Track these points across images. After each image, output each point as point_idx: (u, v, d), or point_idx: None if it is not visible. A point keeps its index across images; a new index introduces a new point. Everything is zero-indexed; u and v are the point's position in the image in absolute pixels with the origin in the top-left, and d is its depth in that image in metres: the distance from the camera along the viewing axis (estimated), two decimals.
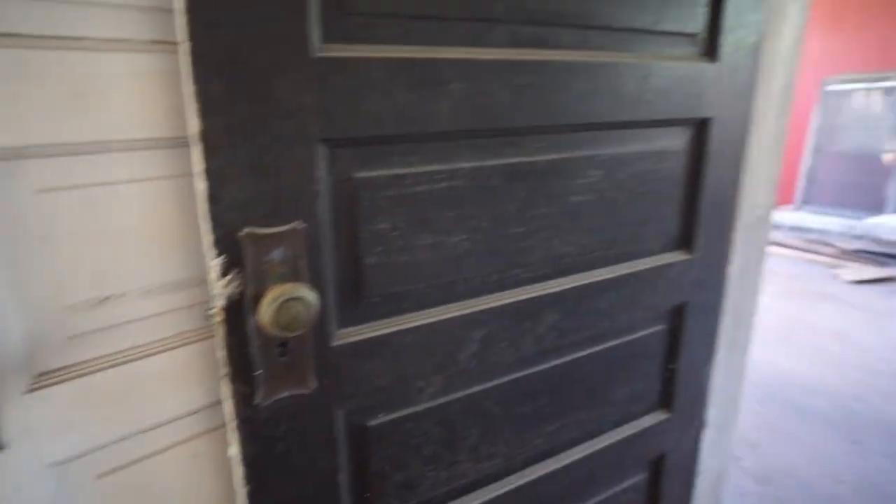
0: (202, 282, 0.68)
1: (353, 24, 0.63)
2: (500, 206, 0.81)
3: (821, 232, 4.84)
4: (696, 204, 1.07)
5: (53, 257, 0.59)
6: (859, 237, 4.60)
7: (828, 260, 4.48)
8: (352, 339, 0.69)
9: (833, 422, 2.19)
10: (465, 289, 0.80)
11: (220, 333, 0.61)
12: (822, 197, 6.08)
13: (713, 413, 1.37)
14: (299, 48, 0.60)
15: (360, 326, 0.70)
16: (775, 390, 2.41)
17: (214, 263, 0.59)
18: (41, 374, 0.61)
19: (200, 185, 0.58)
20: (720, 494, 1.55)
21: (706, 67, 0.99)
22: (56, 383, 0.61)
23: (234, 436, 0.66)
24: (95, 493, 0.66)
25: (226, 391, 0.64)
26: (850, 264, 4.31)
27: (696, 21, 0.97)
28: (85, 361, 0.63)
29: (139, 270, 0.64)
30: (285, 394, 0.66)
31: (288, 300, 0.58)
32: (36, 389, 0.60)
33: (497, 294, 0.84)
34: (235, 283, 0.59)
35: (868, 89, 5.61)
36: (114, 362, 0.64)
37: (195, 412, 0.70)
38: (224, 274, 0.59)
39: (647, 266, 1.03)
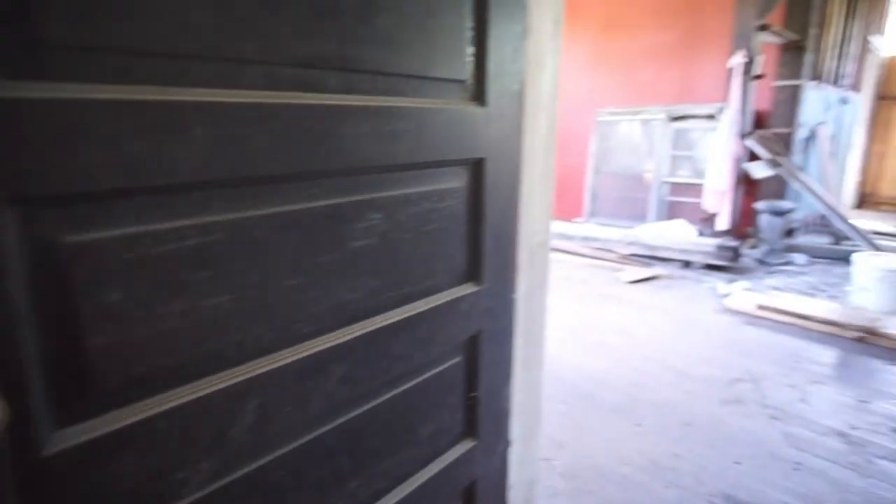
0: None
1: (51, 58, 0.52)
2: (271, 259, 0.75)
3: (604, 240, 5.54)
4: (480, 237, 1.11)
5: None
6: (632, 243, 5.35)
7: (611, 264, 5.13)
8: (78, 441, 0.56)
9: (620, 409, 2.46)
10: (234, 354, 0.72)
11: None
12: (603, 210, 6.99)
13: (518, 429, 1.44)
14: None
15: (90, 422, 0.58)
16: (575, 387, 2.66)
17: None
18: None
19: None
20: (533, 501, 1.64)
21: (477, 112, 1.04)
22: None
23: None
24: None
25: None
26: (627, 267, 4.98)
27: (464, 69, 1.01)
28: None
29: None
30: None
31: None
32: None
33: (274, 355, 0.77)
34: None
35: (630, 120, 6.62)
36: None
37: None
38: None
39: (438, 302, 1.05)
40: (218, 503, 0.71)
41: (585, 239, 5.61)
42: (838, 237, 5.54)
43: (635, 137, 6.60)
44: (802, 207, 5.87)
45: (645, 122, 6.47)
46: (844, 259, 4.74)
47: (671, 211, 6.31)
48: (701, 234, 5.65)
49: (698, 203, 5.72)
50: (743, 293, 4.12)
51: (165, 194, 0.62)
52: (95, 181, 0.55)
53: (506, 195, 1.18)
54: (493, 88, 1.08)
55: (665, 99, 6.43)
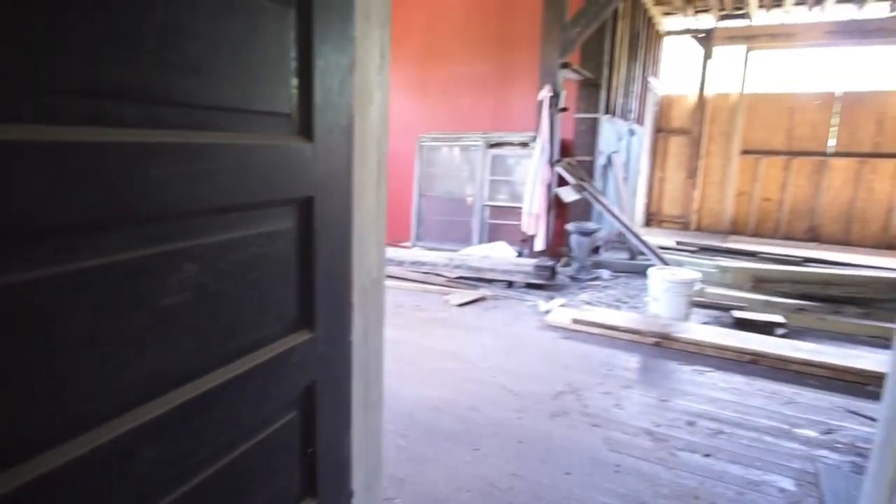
0: None
1: None
2: (54, 331, 0.61)
3: (432, 264, 5.69)
4: (311, 281, 1.04)
5: None
6: (458, 266, 5.58)
7: (440, 288, 5.28)
8: None
9: (458, 436, 2.51)
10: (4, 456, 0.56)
11: None
12: (429, 233, 7.22)
13: (360, 477, 1.37)
14: None
15: None
16: (413, 418, 2.65)
17: None
18: None
19: None
20: None
21: (304, 147, 0.98)
22: None
23: None
24: None
25: None
26: (455, 290, 5.17)
27: (289, 102, 0.95)
28: None
29: None
30: None
31: None
32: None
33: (62, 447, 0.62)
34: None
35: (451, 146, 6.96)
36: None
37: None
38: None
39: (268, 356, 0.95)
40: None
41: (414, 264, 5.72)
42: (634, 253, 6.38)
43: (457, 162, 6.96)
44: (605, 227, 6.66)
45: (465, 147, 6.86)
46: (642, 273, 5.46)
47: (493, 233, 6.74)
48: (520, 254, 6.11)
49: (517, 225, 6.18)
50: (560, 309, 4.51)
51: None
52: None
53: (337, 234, 1.12)
54: (321, 122, 1.03)
55: (483, 126, 6.90)
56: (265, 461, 0.99)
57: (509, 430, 2.58)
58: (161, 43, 0.71)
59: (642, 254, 5.98)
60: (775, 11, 8.61)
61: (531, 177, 5.77)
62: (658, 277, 4.23)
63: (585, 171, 6.27)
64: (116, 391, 0.69)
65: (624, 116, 7.61)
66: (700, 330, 3.94)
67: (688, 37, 9.45)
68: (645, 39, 8.17)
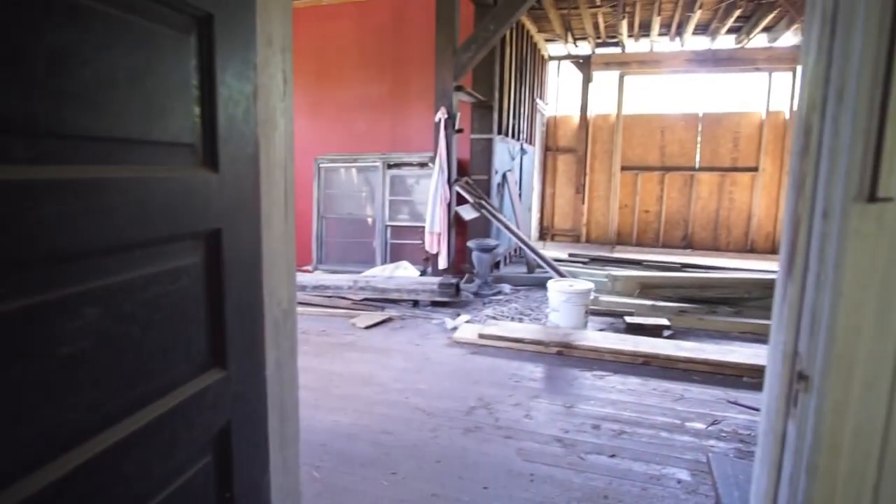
0: None
1: None
2: None
3: (336, 288, 5.58)
4: (222, 317, 0.99)
5: None
6: (363, 288, 5.52)
7: (346, 311, 5.18)
8: None
9: (374, 462, 2.46)
10: None
11: None
12: (331, 256, 7.10)
13: None
14: None
15: None
16: (327, 448, 2.57)
17: None
18: None
19: None
20: None
21: (209, 178, 0.94)
22: None
23: None
24: None
25: None
26: (361, 312, 5.10)
27: (192, 131, 0.91)
28: None
29: None
30: None
31: None
32: None
33: None
34: None
35: (349, 167, 6.91)
36: None
37: None
38: None
39: (180, 398, 0.89)
40: None
41: (317, 288, 5.58)
42: (532, 266, 6.65)
43: (356, 183, 6.93)
44: (503, 243, 6.89)
45: (364, 168, 6.85)
46: (540, 285, 5.69)
47: (395, 253, 6.75)
48: (423, 273, 6.16)
49: (419, 244, 6.23)
50: (466, 325, 4.60)
51: None
52: None
53: (247, 266, 1.08)
54: (226, 152, 0.99)
55: (381, 147, 6.92)
56: None
57: (425, 450, 2.58)
58: (49, 71, 0.66)
59: (540, 267, 6.25)
60: (643, 41, 9.49)
61: (431, 196, 5.86)
62: (556, 289, 4.44)
63: (483, 190, 6.47)
64: (5, 457, 0.62)
65: (515, 136, 7.97)
66: (597, 337, 4.17)
67: (569, 62, 10.13)
68: (531, 64, 8.64)
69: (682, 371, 3.67)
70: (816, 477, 0.85)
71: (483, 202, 6.14)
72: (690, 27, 8.44)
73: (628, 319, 4.63)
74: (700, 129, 9.84)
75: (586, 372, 3.66)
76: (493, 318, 4.96)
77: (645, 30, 8.86)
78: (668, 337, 4.39)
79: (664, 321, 4.60)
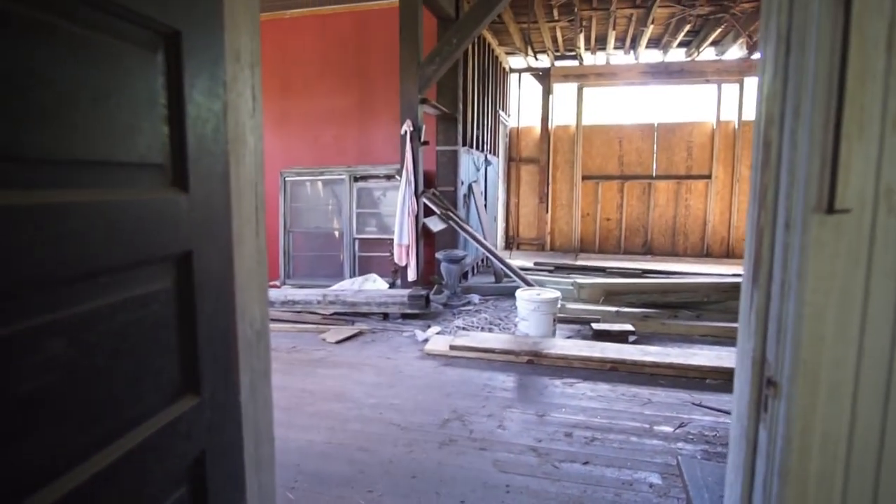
0: None
1: None
2: None
3: (305, 303, 5.49)
4: (194, 341, 0.96)
5: None
6: (333, 302, 5.45)
7: (316, 327, 5.10)
8: None
9: (350, 480, 2.42)
10: None
11: None
12: (299, 270, 6.99)
13: None
14: None
15: None
16: (301, 468, 2.51)
17: None
18: None
19: None
20: None
21: (179, 198, 0.92)
22: None
23: None
24: None
25: None
26: (331, 327, 5.04)
27: (160, 151, 0.88)
28: None
29: None
30: None
31: None
32: None
33: None
34: None
35: (315, 180, 6.85)
36: None
37: None
38: None
39: (153, 429, 0.86)
40: None
41: (286, 303, 5.49)
42: (499, 276, 6.69)
43: (322, 196, 6.86)
44: (471, 253, 6.92)
45: (330, 181, 6.79)
46: (508, 294, 5.72)
47: (364, 266, 6.70)
48: (392, 285, 6.13)
49: (387, 256, 6.20)
50: (437, 337, 4.58)
51: None
52: None
53: (219, 287, 1.06)
54: (196, 171, 0.97)
55: (347, 160, 6.89)
56: None
57: (401, 466, 2.55)
58: (4, 91, 0.63)
59: (507, 276, 6.29)
60: (600, 54, 9.75)
61: (399, 209, 5.85)
62: (525, 299, 4.48)
63: (449, 201, 6.49)
64: None
65: (480, 148, 8.04)
66: (566, 344, 4.22)
67: (529, 74, 10.31)
68: (493, 77, 8.75)
69: (649, 376, 3.74)
70: (788, 481, 0.88)
71: (450, 213, 6.16)
72: (644, 41, 8.71)
73: (595, 326, 4.70)
74: (656, 138, 10.12)
75: (556, 380, 3.69)
76: (464, 328, 4.96)
77: (601, 43, 9.10)
78: (634, 342, 4.48)
79: (629, 327, 4.68)
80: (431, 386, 3.59)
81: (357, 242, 6.74)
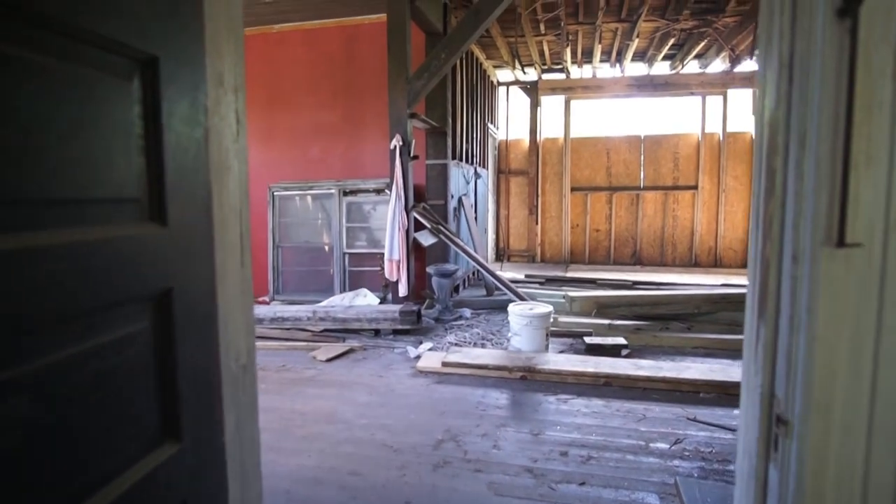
0: None
1: None
2: None
3: (294, 319, 5.41)
4: (174, 384, 0.91)
5: None
6: (323, 318, 5.37)
7: (306, 344, 5.02)
8: None
9: None
10: None
11: None
12: (289, 286, 6.91)
13: None
14: None
15: None
16: (291, 496, 2.44)
17: None
18: None
19: None
20: None
21: (158, 233, 0.87)
22: None
23: None
24: None
25: None
26: (322, 344, 4.96)
27: (137, 185, 0.84)
28: None
29: None
30: None
31: None
32: None
33: None
34: None
35: (304, 194, 6.79)
36: None
37: None
38: None
39: (129, 483, 0.80)
40: None
41: (274, 320, 5.41)
42: (490, 289, 6.65)
43: (312, 211, 6.80)
44: (462, 266, 6.87)
45: (319, 195, 6.74)
46: (500, 308, 5.68)
47: (354, 280, 6.63)
48: (383, 300, 6.07)
49: (378, 271, 6.14)
50: (429, 353, 4.52)
51: None
52: None
53: (201, 324, 1.00)
54: (175, 203, 0.92)
55: (336, 174, 6.84)
56: None
57: (394, 490, 2.48)
58: None
59: (499, 289, 6.25)
60: (586, 67, 9.82)
61: (389, 224, 5.80)
62: (517, 313, 4.43)
63: (439, 215, 6.46)
64: None
65: (469, 161, 8.03)
66: (559, 359, 4.18)
67: (517, 87, 10.35)
68: (482, 90, 8.76)
69: (643, 390, 3.70)
70: None
71: (440, 227, 6.12)
72: (629, 54, 8.78)
73: (588, 340, 4.66)
74: (643, 150, 10.17)
75: (550, 396, 3.64)
76: (456, 344, 4.91)
77: (588, 57, 9.17)
78: (627, 356, 4.44)
79: (622, 340, 4.65)
80: (424, 405, 3.53)
81: (347, 257, 6.68)
